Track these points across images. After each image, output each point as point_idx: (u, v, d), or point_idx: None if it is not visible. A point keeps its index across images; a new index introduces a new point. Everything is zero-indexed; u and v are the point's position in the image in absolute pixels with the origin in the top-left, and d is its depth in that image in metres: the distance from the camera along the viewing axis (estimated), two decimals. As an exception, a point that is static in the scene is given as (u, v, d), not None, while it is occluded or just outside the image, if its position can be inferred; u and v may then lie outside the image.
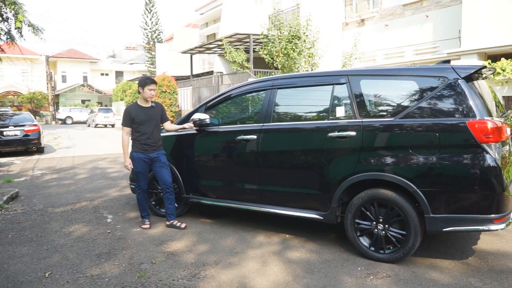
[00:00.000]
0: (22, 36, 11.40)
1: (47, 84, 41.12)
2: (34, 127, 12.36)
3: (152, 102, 4.81)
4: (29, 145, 12.37)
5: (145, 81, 4.68)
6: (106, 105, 42.69)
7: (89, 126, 32.53)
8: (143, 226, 4.77)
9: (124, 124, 4.72)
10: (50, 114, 40.07)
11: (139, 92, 4.74)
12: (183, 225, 4.74)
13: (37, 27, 11.28)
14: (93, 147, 14.93)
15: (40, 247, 4.19)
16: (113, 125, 31.27)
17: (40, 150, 12.98)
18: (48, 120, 39.32)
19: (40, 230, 4.75)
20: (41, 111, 39.20)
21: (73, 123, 37.18)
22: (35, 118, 14.36)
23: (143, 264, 3.71)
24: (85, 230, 4.73)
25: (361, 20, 14.07)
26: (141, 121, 4.66)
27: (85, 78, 45.69)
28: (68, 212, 5.55)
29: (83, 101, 44.17)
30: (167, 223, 4.81)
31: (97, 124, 30.96)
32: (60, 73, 44.96)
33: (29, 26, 11.15)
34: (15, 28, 11.03)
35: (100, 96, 45.30)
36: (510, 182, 3.58)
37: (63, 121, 37.34)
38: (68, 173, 8.96)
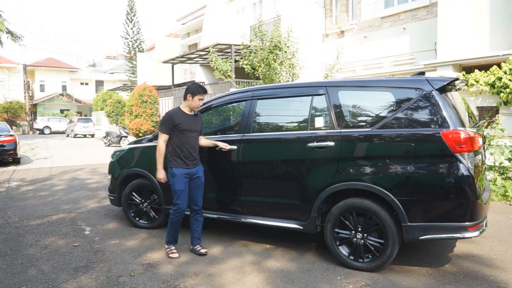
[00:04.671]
0: (1, 43, 11.21)
1: (25, 93, 40.26)
2: (10, 138, 12.05)
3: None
4: (5, 156, 12.05)
5: (198, 89, 4.10)
6: (85, 115, 42.01)
7: (68, 136, 31.93)
8: (172, 256, 4.13)
9: (164, 130, 4.08)
10: (27, 124, 39.19)
11: (184, 99, 4.17)
12: (203, 250, 4.23)
13: (15, 34, 11.12)
14: (72, 158, 14.65)
15: (14, 261, 4.07)
16: (92, 135, 30.77)
17: (16, 161, 12.66)
18: (25, 130, 38.42)
19: (15, 244, 4.62)
20: (17, 121, 38.30)
21: (52, 133, 36.39)
22: (12, 128, 14.03)
23: (121, 277, 3.65)
24: (62, 243, 4.63)
25: (341, 31, 14.31)
26: (186, 129, 4.10)
27: (64, 88, 44.88)
28: (45, 225, 5.42)
29: (62, 111, 43.33)
30: (192, 247, 4.30)
31: (76, 134, 30.41)
32: (38, 82, 44.04)
33: (7, 33, 10.99)
34: None
35: (79, 105, 44.57)
36: (483, 191, 3.69)
37: (41, 131, 36.50)
38: (45, 185, 8.76)
